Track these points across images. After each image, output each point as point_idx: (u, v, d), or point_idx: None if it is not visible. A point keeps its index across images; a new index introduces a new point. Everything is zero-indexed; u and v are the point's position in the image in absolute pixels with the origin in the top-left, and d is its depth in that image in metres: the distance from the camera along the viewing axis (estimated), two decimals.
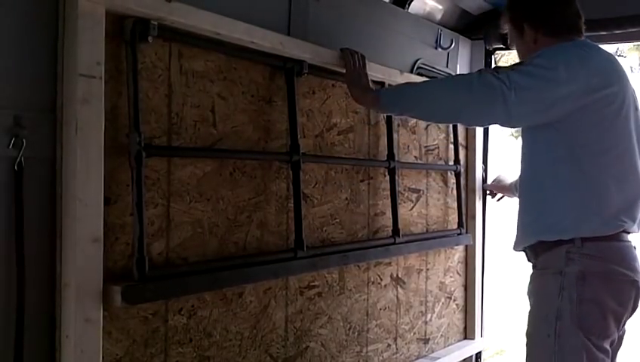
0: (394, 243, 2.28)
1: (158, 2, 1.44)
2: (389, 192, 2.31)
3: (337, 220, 2.09)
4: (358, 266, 2.20)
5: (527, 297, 1.85)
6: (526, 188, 1.87)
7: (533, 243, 1.81)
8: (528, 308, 1.81)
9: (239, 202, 1.72)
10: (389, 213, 2.31)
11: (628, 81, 1.81)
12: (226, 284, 1.66)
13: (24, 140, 1.26)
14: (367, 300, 2.25)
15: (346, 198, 2.13)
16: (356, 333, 2.19)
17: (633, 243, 1.75)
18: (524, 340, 1.80)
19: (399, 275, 2.42)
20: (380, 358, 2.32)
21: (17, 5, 1.27)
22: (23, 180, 1.27)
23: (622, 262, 1.69)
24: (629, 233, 1.74)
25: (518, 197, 1.92)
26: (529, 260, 1.87)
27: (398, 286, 2.42)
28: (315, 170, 1.99)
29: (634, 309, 1.74)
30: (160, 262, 1.51)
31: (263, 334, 1.81)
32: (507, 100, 1.63)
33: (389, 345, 2.37)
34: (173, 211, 1.55)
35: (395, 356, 2.41)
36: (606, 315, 1.66)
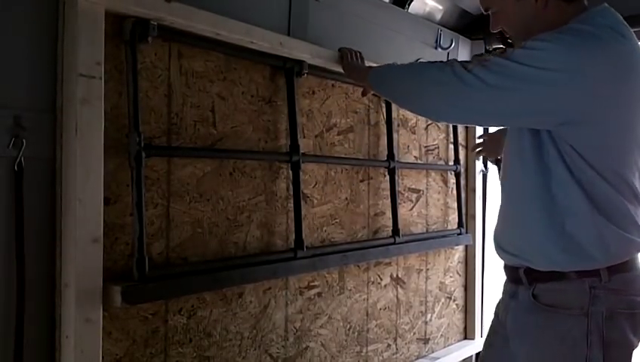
0: (394, 243, 2.28)
1: (158, 2, 1.44)
2: (388, 192, 2.31)
3: (337, 220, 2.09)
4: (358, 266, 2.20)
5: (513, 341, 1.47)
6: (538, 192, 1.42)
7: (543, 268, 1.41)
8: (520, 345, 1.45)
9: (239, 202, 1.72)
10: (389, 213, 2.31)
11: None
12: (226, 284, 1.66)
13: (24, 140, 1.26)
14: (367, 300, 2.25)
15: (346, 198, 2.13)
16: (356, 333, 2.20)
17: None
18: None
19: (399, 275, 2.42)
20: (380, 358, 2.32)
21: (17, 5, 1.28)
22: (23, 180, 1.27)
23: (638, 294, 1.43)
24: None
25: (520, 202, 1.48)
26: (515, 282, 1.48)
27: (398, 286, 2.42)
28: (315, 170, 1.99)
29: None
30: (160, 262, 1.51)
31: (262, 334, 1.81)
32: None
33: (388, 345, 2.37)
34: (173, 211, 1.55)
35: (395, 356, 2.41)
36: (630, 357, 1.43)
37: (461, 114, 1.43)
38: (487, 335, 1.63)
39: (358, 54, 1.99)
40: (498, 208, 1.56)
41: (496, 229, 1.56)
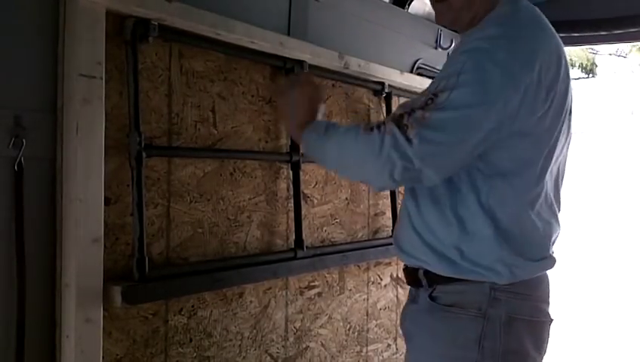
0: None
1: (159, 2, 1.44)
2: (389, 192, 2.31)
3: (337, 220, 2.09)
4: (358, 266, 2.20)
5: (406, 335, 1.44)
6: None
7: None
8: (413, 351, 1.40)
9: (239, 202, 1.72)
10: (389, 213, 2.31)
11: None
12: (226, 284, 1.66)
13: (24, 140, 1.26)
14: (367, 300, 2.25)
15: (346, 198, 2.13)
16: (356, 333, 2.20)
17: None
18: None
19: (399, 275, 2.42)
20: (380, 358, 2.32)
21: (17, 5, 1.27)
22: (23, 180, 1.27)
23: (547, 298, 1.38)
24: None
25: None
26: (415, 285, 1.41)
27: (398, 286, 2.42)
28: (315, 170, 1.99)
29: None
30: (160, 262, 1.51)
31: (263, 334, 1.81)
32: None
33: (389, 345, 2.37)
34: (173, 211, 1.55)
35: (395, 356, 2.41)
36: None
37: (414, 182, 1.30)
38: None
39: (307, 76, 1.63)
40: (401, 205, 1.49)
41: (396, 229, 1.49)
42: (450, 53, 2.25)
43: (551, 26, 1.33)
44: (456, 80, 1.18)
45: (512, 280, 1.28)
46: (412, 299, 1.43)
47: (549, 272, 1.41)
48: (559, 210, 1.41)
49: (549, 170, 1.34)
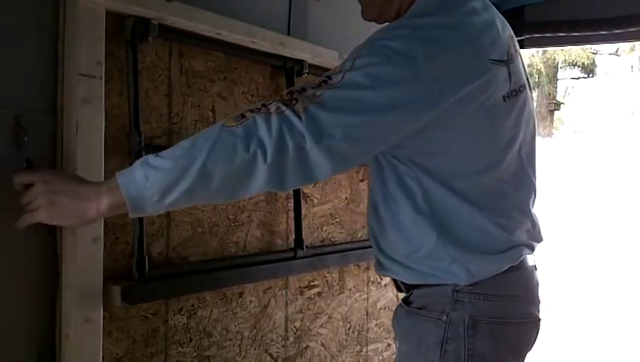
0: None
1: (159, 2, 1.44)
2: None
3: (337, 220, 2.09)
4: (358, 266, 2.20)
5: (395, 340, 1.41)
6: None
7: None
8: (397, 351, 1.38)
9: (239, 202, 1.72)
10: None
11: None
12: (226, 284, 1.66)
13: (25, 140, 1.26)
14: (367, 300, 2.25)
15: (346, 198, 2.13)
16: (356, 333, 2.20)
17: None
18: None
19: None
20: (380, 358, 2.33)
21: (17, 5, 1.27)
22: None
23: (526, 296, 1.28)
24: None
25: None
26: (398, 289, 1.41)
27: None
28: None
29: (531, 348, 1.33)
30: (160, 261, 1.51)
31: (263, 334, 1.81)
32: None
33: (388, 345, 2.38)
34: (173, 211, 1.55)
35: (394, 355, 2.40)
36: None
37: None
38: None
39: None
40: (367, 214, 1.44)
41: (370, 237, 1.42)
42: None
43: (479, 7, 1.21)
44: (351, 63, 1.11)
45: (471, 279, 1.22)
46: (399, 303, 1.40)
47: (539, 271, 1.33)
48: (532, 198, 1.32)
49: (500, 153, 1.24)
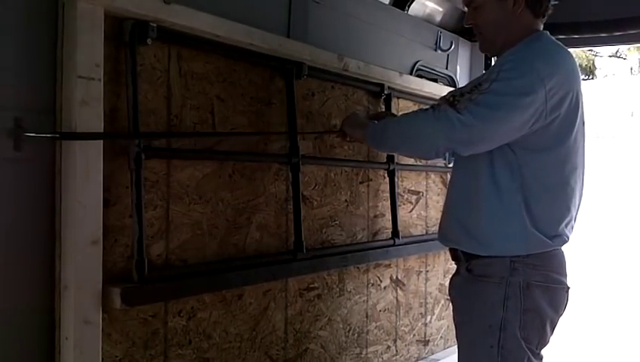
0: (393, 245, 2.28)
1: (157, 4, 1.44)
2: (388, 194, 2.31)
3: (337, 222, 2.09)
4: (358, 268, 2.20)
5: (452, 300, 1.80)
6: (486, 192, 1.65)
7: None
8: (457, 313, 1.76)
9: (238, 204, 1.72)
10: (388, 215, 2.31)
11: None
12: (226, 286, 1.66)
13: (24, 141, 1.26)
14: (367, 302, 2.25)
15: (346, 200, 2.13)
16: (356, 335, 2.19)
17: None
18: (458, 347, 1.75)
19: (399, 277, 2.42)
20: (380, 360, 2.32)
21: (17, 7, 1.28)
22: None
23: (560, 270, 1.68)
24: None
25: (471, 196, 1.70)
26: (456, 260, 1.77)
27: (398, 288, 2.42)
28: (315, 172, 1.99)
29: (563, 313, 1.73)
30: (159, 263, 1.51)
31: (262, 336, 1.81)
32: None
33: (388, 347, 2.37)
34: (172, 213, 1.54)
35: (394, 358, 2.40)
36: (545, 324, 1.65)
37: (461, 147, 1.60)
38: None
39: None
40: (445, 201, 1.82)
41: (441, 219, 1.83)
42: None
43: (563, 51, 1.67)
44: (496, 75, 1.56)
45: (527, 251, 1.62)
46: (456, 272, 1.78)
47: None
48: (579, 202, 1.72)
49: (574, 159, 1.66)
